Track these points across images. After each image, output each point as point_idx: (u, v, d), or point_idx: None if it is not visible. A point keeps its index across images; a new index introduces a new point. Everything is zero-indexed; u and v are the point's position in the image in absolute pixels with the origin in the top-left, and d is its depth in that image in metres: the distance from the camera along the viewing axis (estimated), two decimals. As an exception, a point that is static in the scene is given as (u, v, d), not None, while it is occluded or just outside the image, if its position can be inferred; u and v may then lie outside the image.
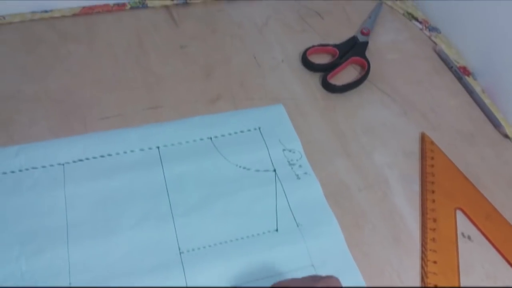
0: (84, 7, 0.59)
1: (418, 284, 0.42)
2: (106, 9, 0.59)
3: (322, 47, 0.59)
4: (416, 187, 0.48)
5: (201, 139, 0.48)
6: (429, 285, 0.41)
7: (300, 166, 0.48)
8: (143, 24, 0.59)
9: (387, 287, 0.41)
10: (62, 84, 0.51)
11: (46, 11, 0.57)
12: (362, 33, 0.61)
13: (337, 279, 0.32)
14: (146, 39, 0.57)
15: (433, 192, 0.47)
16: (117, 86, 0.52)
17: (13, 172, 0.43)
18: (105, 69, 0.53)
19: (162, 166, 0.46)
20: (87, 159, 0.45)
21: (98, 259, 0.39)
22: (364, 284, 0.40)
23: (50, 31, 0.56)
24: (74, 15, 0.58)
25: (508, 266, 0.44)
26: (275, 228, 0.43)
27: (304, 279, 0.33)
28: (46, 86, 0.51)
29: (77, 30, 0.57)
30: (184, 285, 0.38)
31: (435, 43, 0.63)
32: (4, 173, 0.43)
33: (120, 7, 0.60)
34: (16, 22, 0.56)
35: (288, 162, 0.48)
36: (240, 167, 0.47)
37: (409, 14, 0.66)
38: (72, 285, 0.37)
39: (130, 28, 0.58)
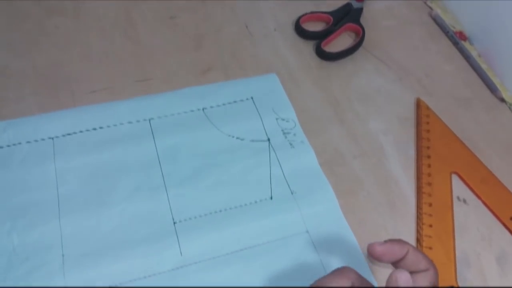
0: (70, -20, 0.57)
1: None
2: (93, -19, 0.58)
3: (315, 14, 0.58)
4: (412, 153, 0.47)
5: (193, 111, 0.48)
6: (424, 248, 0.41)
7: (294, 134, 0.47)
8: (131, -5, 0.58)
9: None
10: (49, 58, 0.50)
11: (31, -15, 0.56)
12: (356, -1, 0.59)
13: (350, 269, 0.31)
14: (134, 11, 0.56)
15: (428, 157, 0.46)
16: (105, 59, 0.51)
17: (1, 147, 0.42)
18: (92, 42, 0.52)
19: (154, 139, 0.45)
20: (77, 132, 0.44)
21: (90, 232, 0.39)
22: (359, 250, 0.40)
23: (35, 6, 0.55)
24: (60, -12, 0.57)
25: (503, 228, 0.43)
26: (270, 196, 0.43)
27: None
28: (33, 61, 0.50)
29: (63, 3, 0.55)
30: (179, 254, 0.38)
31: (430, 8, 0.62)
32: (-8, 148, 0.42)
33: (107, -22, 0.58)
34: (0, -3, 0.55)
35: (282, 131, 0.47)
36: (233, 137, 0.46)
37: (403, -21, 0.65)
38: (65, 257, 0.37)
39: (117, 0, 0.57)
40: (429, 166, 0.46)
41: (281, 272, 0.38)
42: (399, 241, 0.31)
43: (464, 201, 0.45)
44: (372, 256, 0.31)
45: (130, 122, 0.46)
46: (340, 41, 0.56)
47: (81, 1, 0.56)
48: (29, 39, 0.52)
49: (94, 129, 0.45)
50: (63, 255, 0.37)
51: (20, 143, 0.43)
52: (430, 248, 0.41)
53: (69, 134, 0.44)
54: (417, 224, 0.43)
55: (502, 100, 0.53)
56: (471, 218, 0.44)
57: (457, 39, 0.58)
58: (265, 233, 0.40)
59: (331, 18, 0.57)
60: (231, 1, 0.59)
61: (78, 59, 0.50)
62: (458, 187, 0.45)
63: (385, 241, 0.31)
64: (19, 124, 0.44)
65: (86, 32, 0.53)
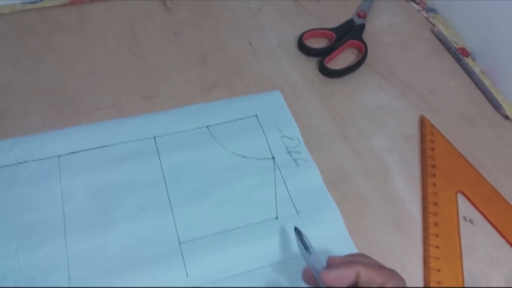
0: (74, -4, 0.57)
1: (420, 269, 0.41)
2: (97, -2, 0.58)
3: (318, 31, 0.58)
4: (417, 171, 0.47)
5: (198, 128, 0.48)
6: (431, 270, 0.40)
7: (298, 152, 0.47)
8: (136, 12, 0.58)
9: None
10: (54, 75, 0.50)
11: (35, 2, 0.56)
12: (359, 15, 0.60)
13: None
14: (139, 28, 0.56)
15: (434, 175, 0.46)
16: (110, 76, 0.51)
17: (8, 166, 0.42)
18: (98, 59, 0.52)
19: (159, 156, 0.45)
20: (83, 150, 0.44)
21: (96, 252, 0.39)
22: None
23: (40, 22, 0.55)
24: (65, 4, 0.57)
25: (510, 249, 0.43)
26: (275, 216, 0.42)
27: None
28: (38, 78, 0.50)
29: (68, 20, 0.56)
30: (185, 276, 0.38)
31: (433, 24, 0.62)
32: (-1, 167, 0.42)
33: (112, -5, 0.58)
34: (6, 14, 0.55)
35: (287, 149, 0.47)
36: (237, 155, 0.46)
37: (406, -5, 0.65)
38: (71, 279, 0.37)
39: (122, 16, 0.57)
40: (434, 185, 0.46)
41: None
42: (347, 265, 0.31)
43: (471, 221, 0.44)
44: (326, 284, 0.31)
45: (135, 140, 0.46)
46: (343, 58, 0.57)
47: (86, 17, 0.56)
48: (35, 56, 0.52)
49: (100, 147, 0.45)
50: (69, 277, 0.37)
51: (26, 162, 0.43)
52: (438, 270, 0.40)
53: (74, 153, 0.44)
54: (424, 245, 0.42)
55: (506, 117, 0.53)
56: (478, 239, 0.43)
57: (459, 55, 0.58)
58: (271, 254, 0.40)
59: (334, 35, 0.58)
60: (234, 17, 0.59)
61: (83, 76, 0.51)
62: (464, 207, 0.45)
63: (332, 269, 0.31)
64: (25, 142, 0.44)
65: (91, 48, 0.53)
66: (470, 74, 0.57)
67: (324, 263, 0.33)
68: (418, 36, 0.61)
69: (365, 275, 0.30)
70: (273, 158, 0.46)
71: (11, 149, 0.43)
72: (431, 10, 0.63)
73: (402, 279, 0.32)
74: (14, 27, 0.54)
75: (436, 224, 0.43)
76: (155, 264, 0.38)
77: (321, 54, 0.56)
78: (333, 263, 0.32)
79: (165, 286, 0.37)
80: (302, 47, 0.56)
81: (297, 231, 0.36)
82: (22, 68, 0.51)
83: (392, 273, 0.32)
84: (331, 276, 0.30)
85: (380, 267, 0.32)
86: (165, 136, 0.46)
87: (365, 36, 0.58)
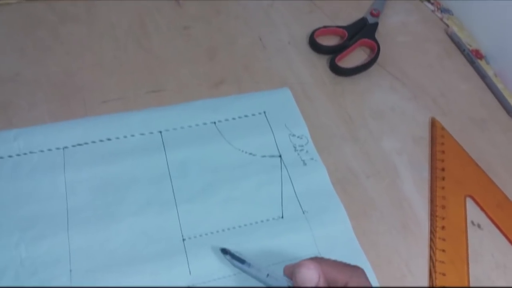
0: (84, -13, 0.57)
1: (426, 273, 0.41)
2: (107, -11, 0.57)
3: (330, 29, 0.57)
4: (426, 174, 0.47)
5: (205, 124, 0.47)
6: (437, 274, 0.40)
7: (306, 151, 0.46)
8: (145, 4, 0.57)
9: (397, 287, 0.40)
10: (62, 66, 0.50)
11: (45, -9, 0.56)
12: (372, 14, 0.59)
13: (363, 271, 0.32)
14: (148, 20, 0.55)
15: (443, 179, 0.46)
16: (118, 69, 0.50)
17: (12, 156, 0.42)
18: (106, 51, 0.52)
19: (165, 151, 0.44)
20: (88, 143, 0.44)
21: (99, 246, 0.38)
22: (372, 273, 0.39)
23: (49, 12, 0.55)
24: (74, -5, 0.56)
25: (519, 256, 0.43)
26: (281, 215, 0.42)
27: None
28: (45, 69, 0.49)
29: (77, 11, 0.55)
30: (188, 273, 0.38)
31: (447, 25, 0.61)
32: (2, 157, 0.42)
33: (122, -13, 0.58)
34: (14, 3, 0.55)
35: (294, 147, 0.47)
36: (244, 152, 0.46)
37: (420, -6, 0.64)
38: (73, 272, 0.37)
39: (131, 8, 0.56)
40: (443, 188, 0.45)
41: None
42: (310, 269, 0.30)
43: (479, 225, 0.44)
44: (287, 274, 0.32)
45: (141, 134, 0.45)
46: (355, 56, 0.56)
47: (95, 9, 0.56)
48: (42, 46, 0.51)
49: (105, 140, 0.44)
50: (70, 270, 0.37)
51: (30, 153, 0.42)
52: (444, 274, 0.40)
53: (79, 145, 0.43)
54: (430, 248, 0.42)
55: (519, 121, 0.52)
56: (485, 244, 0.43)
57: (473, 57, 0.57)
58: (275, 253, 0.39)
59: (346, 33, 0.57)
60: (245, 12, 0.58)
61: (90, 68, 0.50)
62: (473, 211, 0.44)
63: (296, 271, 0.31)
64: (30, 133, 0.43)
65: (99, 40, 0.53)
66: (483, 77, 0.56)
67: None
68: (431, 37, 0.60)
69: (330, 275, 0.30)
70: (280, 156, 0.46)
71: (16, 139, 0.43)
72: (446, 10, 0.62)
73: (365, 276, 0.31)
74: (22, 16, 0.54)
75: (443, 228, 0.43)
76: (157, 261, 0.38)
77: (333, 52, 0.55)
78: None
79: (167, 283, 0.37)
80: (313, 45, 0.56)
81: (223, 251, 0.37)
82: (29, 58, 0.50)
83: (355, 270, 0.31)
84: (290, 266, 0.31)
85: (343, 265, 0.31)
86: (172, 131, 0.46)
87: (377, 35, 0.57)
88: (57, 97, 0.47)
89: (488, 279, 0.41)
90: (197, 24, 0.56)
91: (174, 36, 0.54)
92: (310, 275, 0.30)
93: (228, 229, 0.40)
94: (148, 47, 0.53)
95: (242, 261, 0.36)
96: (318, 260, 0.31)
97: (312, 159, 0.46)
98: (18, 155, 0.42)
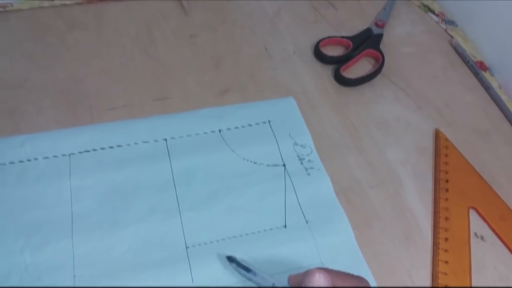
0: (92, -5, 0.58)
1: (429, 284, 0.40)
2: (115, -3, 0.58)
3: (335, 39, 0.58)
4: (429, 185, 0.47)
5: (210, 132, 0.47)
6: (440, 285, 0.40)
7: (310, 161, 0.47)
8: (152, 12, 0.58)
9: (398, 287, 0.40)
10: (69, 73, 0.50)
11: (54, -1, 0.56)
12: (377, 25, 0.59)
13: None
14: (155, 28, 0.56)
15: (446, 190, 0.46)
16: (124, 76, 0.51)
17: (18, 162, 0.42)
18: (113, 58, 0.52)
19: (170, 159, 0.45)
20: (93, 150, 0.44)
21: (103, 253, 0.38)
22: (374, 284, 0.39)
23: (58, 19, 0.55)
24: (82, 3, 0.57)
25: (522, 268, 0.42)
26: (284, 224, 0.42)
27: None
28: (53, 75, 0.50)
29: (85, 18, 0.56)
30: (190, 280, 0.38)
31: (451, 36, 0.61)
32: (9, 163, 0.42)
33: (129, -5, 0.59)
34: (24, 10, 0.56)
35: (298, 156, 0.47)
36: (249, 161, 0.46)
37: (425, 6, 0.64)
38: (76, 278, 0.37)
39: (138, 16, 0.57)
40: (446, 199, 0.45)
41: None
42: (321, 277, 0.30)
43: (482, 238, 0.44)
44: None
45: (146, 142, 0.45)
46: (359, 67, 0.56)
47: (103, 17, 0.56)
48: (50, 53, 0.52)
49: (111, 147, 0.45)
50: (74, 277, 0.37)
51: (36, 159, 0.43)
52: (446, 285, 0.40)
53: (85, 151, 0.44)
54: (433, 259, 0.42)
55: (523, 134, 0.52)
56: (488, 256, 0.43)
57: (477, 69, 0.57)
58: (278, 262, 0.39)
59: (351, 43, 0.57)
60: (251, 22, 0.59)
61: (97, 75, 0.51)
62: (476, 223, 0.44)
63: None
64: (37, 139, 0.44)
65: (106, 47, 0.53)
66: (487, 88, 0.56)
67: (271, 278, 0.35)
68: (436, 48, 0.60)
69: (333, 283, 0.30)
70: (284, 165, 0.46)
71: (22, 145, 0.43)
72: (450, 22, 0.63)
73: (369, 287, 0.31)
74: (31, 23, 0.55)
75: (446, 239, 0.43)
76: (160, 268, 0.38)
77: (337, 62, 0.55)
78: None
79: (170, 290, 0.37)
80: (318, 54, 0.56)
81: (229, 258, 0.37)
82: (37, 64, 0.51)
83: (359, 280, 0.31)
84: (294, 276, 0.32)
85: (347, 275, 0.31)
86: (177, 139, 0.46)
87: (382, 46, 0.57)
88: (64, 104, 0.48)
89: (491, 291, 0.41)
90: (203, 32, 0.57)
91: (180, 44, 0.55)
92: (321, 283, 0.30)
93: (231, 237, 0.41)
94: (155, 55, 0.53)
95: (247, 269, 0.36)
96: (324, 269, 0.31)
97: (315, 168, 0.46)
98: (24, 161, 0.42)
